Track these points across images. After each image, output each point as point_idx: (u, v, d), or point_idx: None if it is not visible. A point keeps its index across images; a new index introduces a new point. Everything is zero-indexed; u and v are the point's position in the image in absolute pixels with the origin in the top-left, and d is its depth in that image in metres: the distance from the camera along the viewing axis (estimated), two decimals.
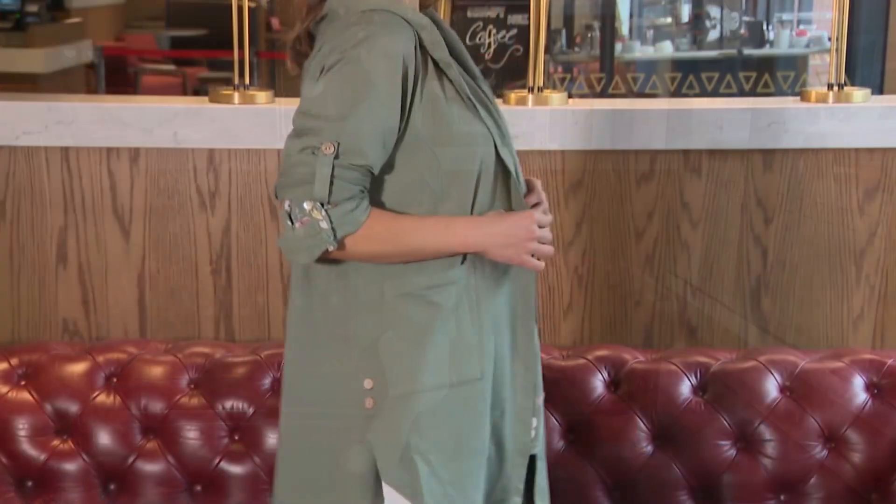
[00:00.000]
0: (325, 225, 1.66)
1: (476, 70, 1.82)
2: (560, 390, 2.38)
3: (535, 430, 1.86)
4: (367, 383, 1.72)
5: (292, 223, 1.68)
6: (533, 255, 1.76)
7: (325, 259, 1.70)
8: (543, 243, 1.77)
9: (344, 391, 1.74)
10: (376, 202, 1.72)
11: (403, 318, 1.72)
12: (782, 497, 2.39)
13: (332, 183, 1.66)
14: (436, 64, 1.73)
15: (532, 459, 1.87)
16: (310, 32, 1.80)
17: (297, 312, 1.80)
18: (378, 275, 1.73)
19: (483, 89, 1.80)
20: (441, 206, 1.73)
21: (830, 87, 2.69)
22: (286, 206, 1.68)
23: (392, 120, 1.69)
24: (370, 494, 1.73)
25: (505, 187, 1.77)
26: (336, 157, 1.66)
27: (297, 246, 1.69)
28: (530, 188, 1.83)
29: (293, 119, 1.72)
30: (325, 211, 1.66)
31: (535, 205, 1.80)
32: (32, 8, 6.11)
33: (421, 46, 1.72)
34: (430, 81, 1.71)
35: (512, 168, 1.77)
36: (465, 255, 1.74)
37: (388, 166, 1.72)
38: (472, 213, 1.75)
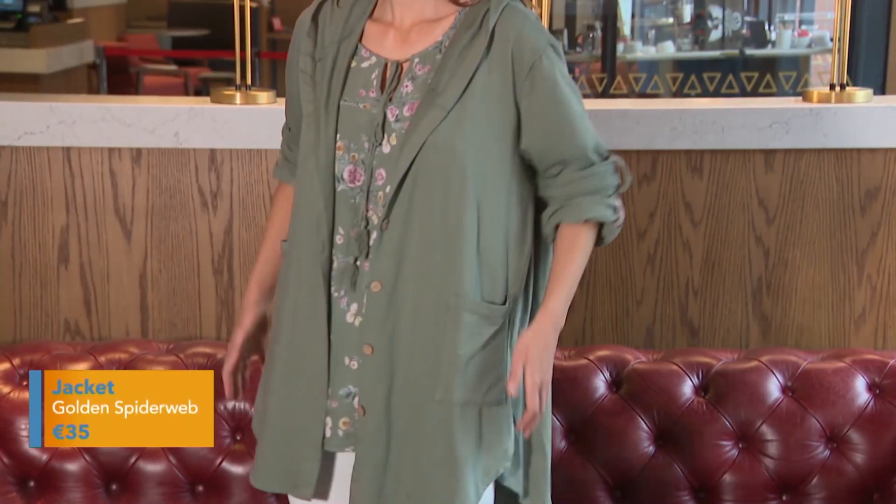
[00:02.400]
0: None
1: (341, 71, 1.81)
2: (561, 390, 2.38)
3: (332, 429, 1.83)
4: None
5: None
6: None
7: None
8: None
9: None
10: None
11: None
12: (784, 497, 2.39)
13: (283, 146, 2.00)
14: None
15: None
16: None
17: None
18: None
19: (337, 102, 1.80)
20: None
21: (832, 87, 2.69)
22: None
23: (291, 87, 1.89)
24: None
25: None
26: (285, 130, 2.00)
27: None
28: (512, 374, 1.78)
29: None
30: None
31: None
32: (34, 8, 6.11)
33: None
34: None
35: (310, 180, 1.79)
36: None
37: None
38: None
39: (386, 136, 1.76)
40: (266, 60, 7.53)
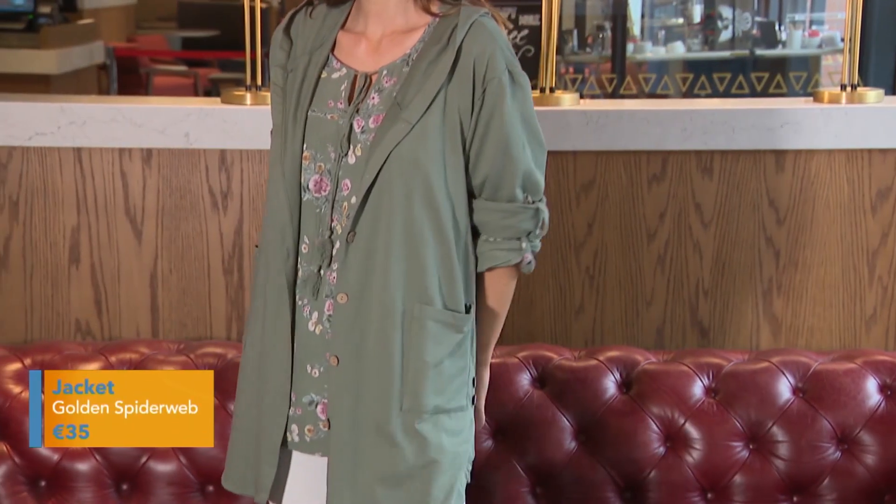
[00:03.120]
0: None
1: (312, 81, 1.83)
2: (571, 391, 2.38)
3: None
4: None
5: None
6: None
7: None
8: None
9: None
10: None
11: None
12: (795, 498, 2.39)
13: None
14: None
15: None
16: None
17: None
18: None
19: (306, 111, 1.81)
20: None
21: (843, 87, 2.68)
22: None
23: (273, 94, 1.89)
24: None
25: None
26: None
27: None
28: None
29: None
30: None
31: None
32: (45, 9, 6.12)
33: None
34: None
35: (276, 190, 1.81)
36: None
37: None
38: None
39: (352, 146, 1.78)
40: None
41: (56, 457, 2.34)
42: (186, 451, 2.35)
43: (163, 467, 2.35)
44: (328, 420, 1.79)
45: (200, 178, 2.58)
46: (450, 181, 1.77)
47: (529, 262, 1.84)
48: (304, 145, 1.80)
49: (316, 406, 1.81)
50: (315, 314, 1.80)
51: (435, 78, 1.75)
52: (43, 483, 2.36)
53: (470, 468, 1.86)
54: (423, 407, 1.77)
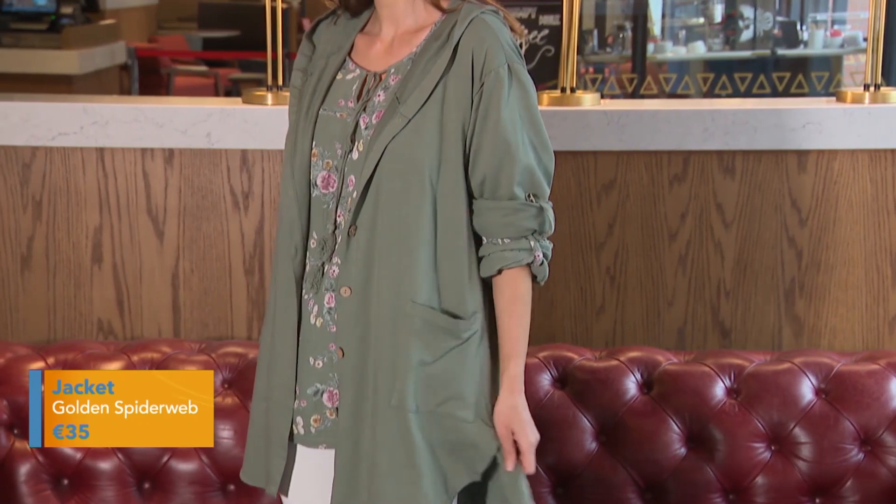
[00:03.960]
0: None
1: (325, 86, 1.85)
2: (592, 392, 2.37)
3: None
4: None
5: None
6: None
7: None
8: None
9: None
10: None
11: None
12: (817, 500, 2.37)
13: None
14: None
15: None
16: None
17: None
18: None
19: (318, 114, 1.84)
20: None
21: (867, 87, 2.67)
22: None
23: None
24: None
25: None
26: None
27: None
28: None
29: None
30: None
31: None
32: (67, 10, 6.16)
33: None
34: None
35: (286, 196, 1.84)
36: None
37: None
38: None
39: (356, 143, 1.81)
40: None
41: (79, 455, 2.35)
42: (208, 451, 2.36)
43: (184, 466, 2.36)
44: (336, 409, 1.82)
45: (222, 178, 2.59)
46: (451, 177, 1.77)
47: (542, 264, 1.82)
48: (314, 143, 1.83)
49: (322, 395, 1.84)
50: (316, 307, 1.83)
51: (433, 73, 1.77)
52: (66, 481, 2.37)
53: (475, 479, 1.82)
54: (407, 406, 1.77)
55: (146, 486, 2.38)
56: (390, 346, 1.78)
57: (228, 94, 7.49)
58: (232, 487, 2.37)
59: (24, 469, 2.34)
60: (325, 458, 1.85)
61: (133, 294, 2.62)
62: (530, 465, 1.78)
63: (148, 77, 7.26)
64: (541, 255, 1.81)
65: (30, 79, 5.75)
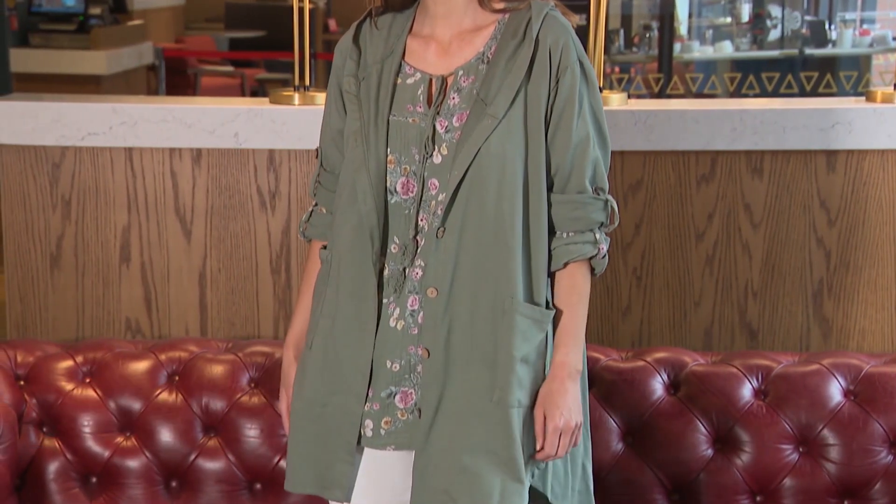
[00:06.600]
0: (304, 218, 2.03)
1: (388, 90, 1.84)
2: (619, 392, 2.37)
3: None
4: None
5: None
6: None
7: None
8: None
9: None
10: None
11: None
12: (846, 503, 2.36)
13: (315, 183, 1.98)
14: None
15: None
16: None
17: None
18: None
19: (381, 118, 1.83)
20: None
21: None
22: None
23: (335, 122, 1.91)
24: None
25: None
26: (319, 159, 1.97)
27: None
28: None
29: None
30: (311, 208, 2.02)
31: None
32: (95, 10, 6.21)
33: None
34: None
35: (362, 195, 1.82)
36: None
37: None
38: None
39: (437, 147, 1.81)
40: (322, 61, 7.57)
41: (107, 453, 2.37)
42: (235, 449, 2.36)
43: (212, 465, 2.37)
44: (417, 410, 1.82)
45: (249, 178, 2.60)
46: (537, 174, 1.80)
47: (604, 257, 1.86)
48: (388, 150, 1.83)
49: (394, 396, 1.84)
50: (398, 310, 1.83)
51: (516, 72, 1.79)
52: (94, 479, 2.38)
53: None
54: (510, 401, 1.79)
55: (173, 484, 2.39)
56: (487, 344, 1.79)
57: (254, 94, 7.52)
58: (259, 486, 2.38)
59: (52, 467, 2.36)
60: (392, 461, 1.86)
61: (161, 293, 2.64)
62: (550, 446, 1.81)
63: (174, 77, 7.30)
64: (604, 248, 1.86)
65: (58, 79, 5.80)
